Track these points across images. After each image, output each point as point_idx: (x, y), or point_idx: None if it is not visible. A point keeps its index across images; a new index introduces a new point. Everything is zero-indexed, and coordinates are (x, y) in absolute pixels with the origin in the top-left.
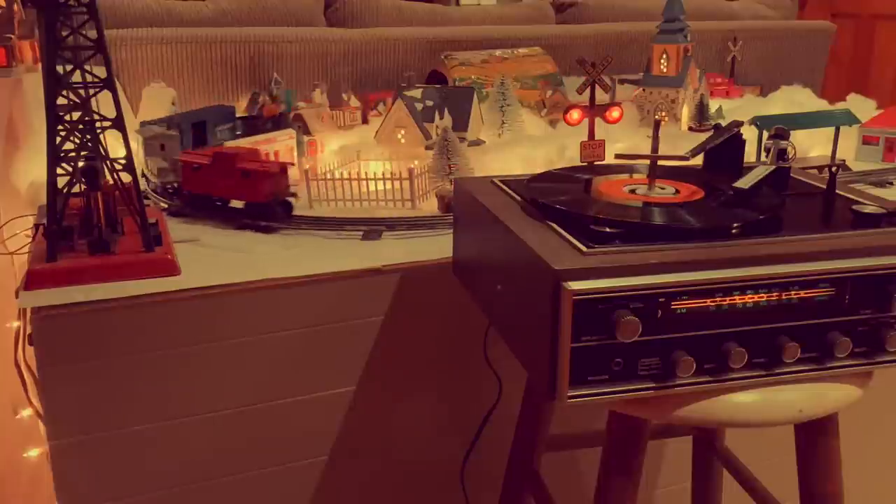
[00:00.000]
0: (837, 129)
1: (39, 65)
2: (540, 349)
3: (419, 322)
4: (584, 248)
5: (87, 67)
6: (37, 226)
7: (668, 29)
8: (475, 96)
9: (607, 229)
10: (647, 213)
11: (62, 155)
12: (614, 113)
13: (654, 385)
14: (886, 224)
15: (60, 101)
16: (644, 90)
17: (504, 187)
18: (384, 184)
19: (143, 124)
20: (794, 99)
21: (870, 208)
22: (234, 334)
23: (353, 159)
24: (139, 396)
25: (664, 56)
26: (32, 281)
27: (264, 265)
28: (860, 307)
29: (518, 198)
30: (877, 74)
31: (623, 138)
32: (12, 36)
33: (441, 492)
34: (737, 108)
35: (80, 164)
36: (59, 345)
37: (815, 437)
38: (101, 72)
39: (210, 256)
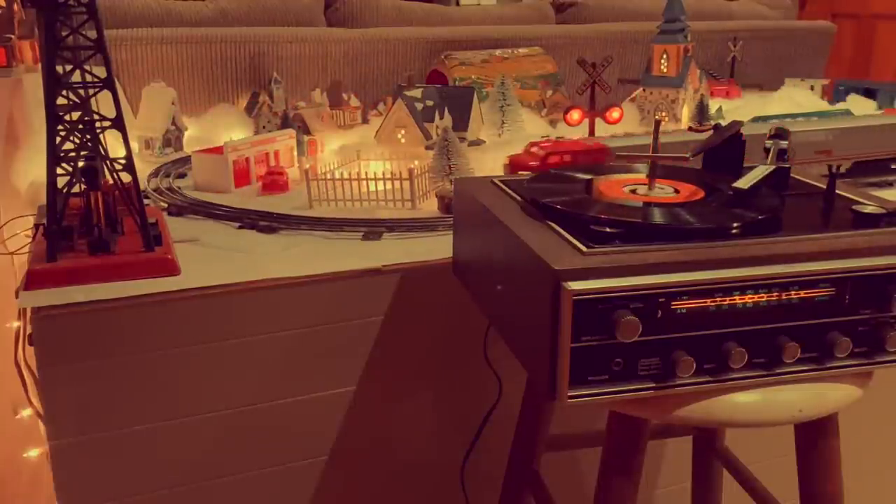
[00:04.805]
0: None
1: (39, 65)
2: (540, 349)
3: (419, 322)
4: (584, 248)
5: (86, 67)
6: (37, 226)
7: (668, 29)
8: (475, 96)
9: (607, 229)
10: (647, 213)
11: (62, 155)
12: (614, 113)
13: (654, 385)
14: (886, 224)
15: (60, 101)
16: (644, 90)
17: (504, 187)
18: (384, 184)
19: None
20: (795, 99)
21: (870, 208)
22: (234, 334)
23: (353, 159)
24: (139, 396)
25: (664, 56)
26: (32, 281)
27: (264, 265)
28: (860, 307)
29: (518, 198)
30: (877, 74)
31: None
32: (12, 36)
33: (441, 492)
34: (737, 109)
35: (80, 164)
36: (59, 345)
37: (814, 437)
38: (100, 72)
39: (210, 256)
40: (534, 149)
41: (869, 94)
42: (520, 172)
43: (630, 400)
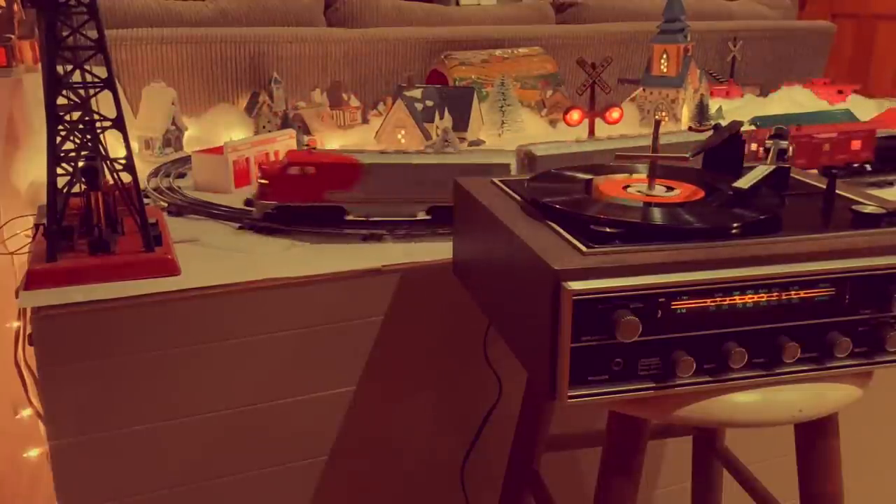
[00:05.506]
0: None
1: (39, 65)
2: (540, 349)
3: (419, 322)
4: (584, 248)
5: (87, 67)
6: (37, 226)
7: (668, 29)
8: (475, 96)
9: (607, 229)
10: (647, 213)
11: (62, 155)
12: (614, 113)
13: (654, 385)
14: (886, 224)
15: (60, 101)
16: (644, 90)
17: (504, 187)
18: None
19: None
20: (795, 99)
21: (870, 208)
22: (234, 334)
23: None
24: (139, 396)
25: (664, 56)
26: (32, 281)
27: (264, 265)
28: (860, 307)
29: (518, 198)
30: (877, 74)
31: None
32: (12, 36)
33: (441, 492)
34: (737, 109)
35: (80, 164)
36: (59, 345)
37: (814, 437)
38: (101, 72)
39: (210, 256)
40: (285, 158)
41: None
42: (260, 180)
43: (630, 400)
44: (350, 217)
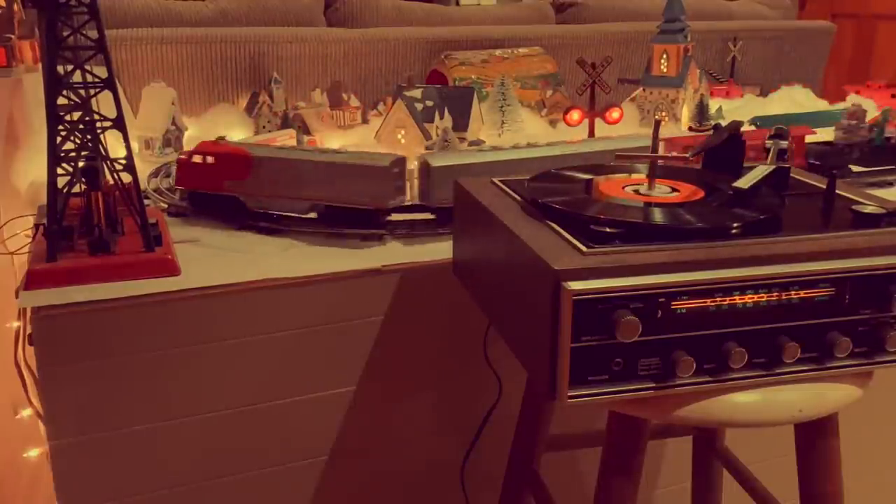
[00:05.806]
0: None
1: (39, 65)
2: (540, 349)
3: (419, 322)
4: (583, 248)
5: (87, 67)
6: (37, 226)
7: (668, 29)
8: (475, 96)
9: (607, 229)
10: (647, 213)
11: (62, 155)
12: (614, 114)
13: (654, 385)
14: (886, 224)
15: (61, 101)
16: (644, 90)
17: (504, 187)
18: None
19: None
20: (795, 99)
21: (870, 208)
22: (234, 334)
23: None
24: (139, 396)
25: (664, 56)
26: (32, 281)
27: (264, 265)
28: (860, 307)
29: (518, 198)
30: (877, 74)
31: None
32: (12, 36)
33: (441, 492)
34: (737, 109)
35: (81, 164)
36: (59, 345)
37: (814, 437)
38: (101, 72)
39: (210, 256)
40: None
41: None
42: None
43: (630, 400)
44: (253, 209)
